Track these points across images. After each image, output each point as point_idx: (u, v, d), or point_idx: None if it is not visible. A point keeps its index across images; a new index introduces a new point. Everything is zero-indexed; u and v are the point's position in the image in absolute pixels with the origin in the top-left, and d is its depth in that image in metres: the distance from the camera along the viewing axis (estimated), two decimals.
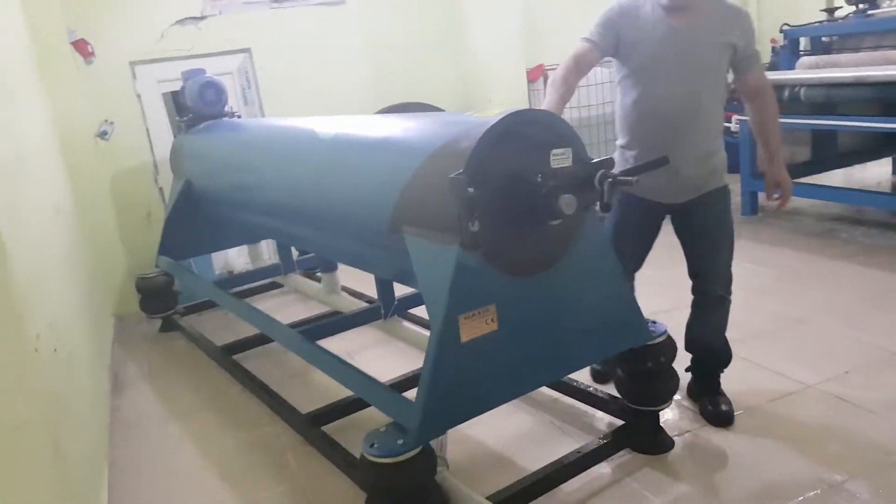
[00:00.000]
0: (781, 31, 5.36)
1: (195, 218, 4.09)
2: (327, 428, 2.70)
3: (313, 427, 2.71)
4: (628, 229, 2.64)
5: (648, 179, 2.54)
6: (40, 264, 2.38)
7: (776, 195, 2.59)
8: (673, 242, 2.60)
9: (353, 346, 3.55)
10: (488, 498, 2.09)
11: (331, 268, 4.02)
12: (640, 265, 2.68)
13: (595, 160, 2.03)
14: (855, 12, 5.15)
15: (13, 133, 2.50)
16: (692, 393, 2.72)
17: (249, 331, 3.72)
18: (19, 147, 2.57)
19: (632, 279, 2.69)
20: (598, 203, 2.02)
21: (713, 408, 2.58)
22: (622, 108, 2.53)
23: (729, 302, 2.60)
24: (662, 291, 2.82)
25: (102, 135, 4.43)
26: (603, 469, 2.37)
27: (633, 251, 2.65)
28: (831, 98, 4.47)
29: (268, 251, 5.11)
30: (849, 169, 5.90)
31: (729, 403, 2.59)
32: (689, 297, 2.65)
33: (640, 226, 2.62)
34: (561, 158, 1.98)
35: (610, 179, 1.98)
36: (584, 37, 2.49)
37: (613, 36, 2.45)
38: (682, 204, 2.50)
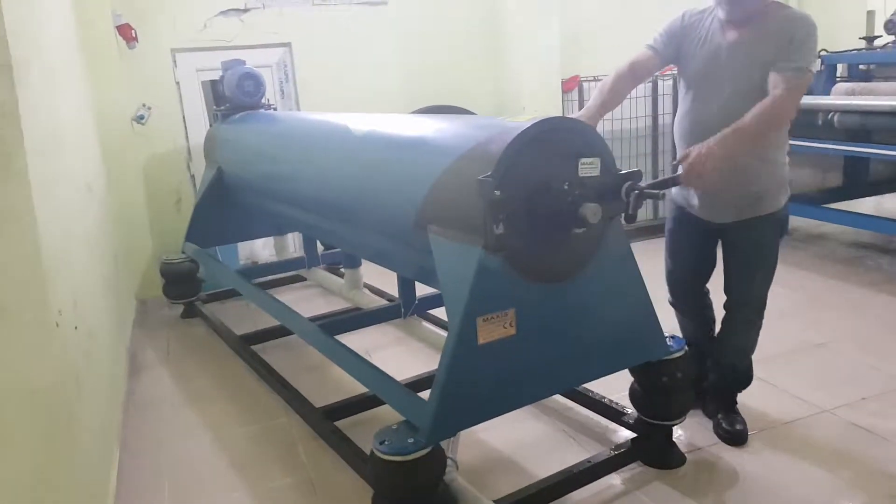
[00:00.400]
0: (819, 56, 5.30)
1: (224, 206, 4.16)
2: (340, 423, 2.72)
3: (326, 421, 2.73)
4: (681, 245, 2.67)
5: (692, 196, 2.56)
6: (68, 241, 2.44)
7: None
8: None
9: (372, 344, 3.58)
10: (496, 502, 2.09)
11: (354, 264, 4.06)
12: (703, 279, 2.67)
13: (623, 171, 2.04)
14: (894, 42, 5.09)
15: (51, 111, 2.56)
16: (707, 409, 2.70)
17: (269, 322, 3.76)
18: (56, 125, 2.64)
19: (702, 292, 2.70)
20: (623, 214, 2.03)
21: (728, 426, 2.56)
22: (676, 120, 2.54)
23: (759, 326, 2.57)
24: None
25: (139, 119, 4.52)
26: (613, 480, 2.37)
27: (690, 267, 2.66)
28: (865, 125, 4.42)
29: (293, 244, 5.16)
30: (880, 197, 5.82)
31: (743, 423, 2.58)
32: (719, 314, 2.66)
33: (691, 242, 2.63)
34: (589, 168, 1.99)
35: (636, 192, 1.99)
36: (647, 43, 2.50)
37: (675, 45, 2.45)
38: (726, 224, 2.48)
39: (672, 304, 2.78)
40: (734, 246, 2.50)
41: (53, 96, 2.72)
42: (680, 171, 2.21)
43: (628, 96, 2.64)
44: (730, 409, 2.62)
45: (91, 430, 2.29)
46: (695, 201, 2.53)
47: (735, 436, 2.54)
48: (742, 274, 2.51)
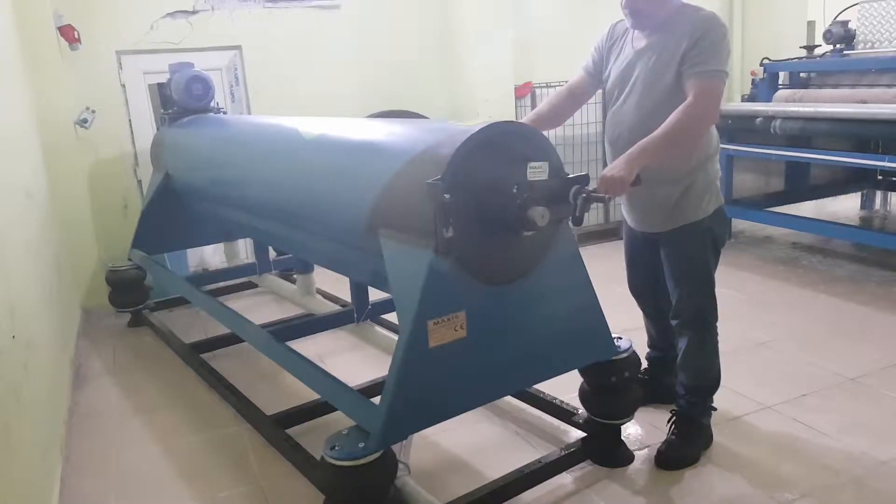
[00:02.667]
0: (762, 64, 5.50)
1: (172, 212, 4.07)
2: (292, 430, 2.69)
3: (277, 429, 2.69)
4: (631, 254, 2.71)
5: (625, 204, 2.61)
6: (4, 248, 2.36)
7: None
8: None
9: (324, 350, 3.55)
10: None
11: (307, 269, 4.02)
12: (660, 286, 2.56)
13: (571, 175, 2.07)
14: (832, 51, 5.32)
15: None
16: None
17: (220, 330, 3.70)
18: None
19: (661, 298, 2.59)
20: (570, 217, 2.06)
21: (664, 448, 2.49)
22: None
23: (698, 342, 2.49)
24: (634, 309, 2.87)
25: (82, 122, 4.39)
26: (564, 480, 2.40)
27: (644, 275, 2.67)
28: (805, 131, 4.59)
29: (244, 251, 5.08)
30: (821, 201, 6.05)
31: (682, 452, 2.48)
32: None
33: (638, 252, 2.65)
34: (537, 171, 2.01)
35: (584, 195, 2.02)
36: (582, 65, 2.55)
37: (601, 60, 2.49)
38: (655, 234, 2.49)
39: (639, 306, 2.83)
40: (664, 257, 2.49)
41: None
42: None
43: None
44: (683, 432, 2.52)
45: (31, 444, 2.22)
46: (626, 213, 2.58)
47: (664, 460, 2.46)
48: (671, 285, 2.49)
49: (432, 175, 1.86)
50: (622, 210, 2.67)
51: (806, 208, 5.70)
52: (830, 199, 6.10)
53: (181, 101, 4.15)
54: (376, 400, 2.03)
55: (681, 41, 2.22)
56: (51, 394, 2.81)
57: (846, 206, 6.11)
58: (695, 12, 2.27)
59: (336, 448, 1.89)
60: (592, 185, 2.08)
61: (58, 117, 4.31)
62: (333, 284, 4.17)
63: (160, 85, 4.30)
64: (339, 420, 2.44)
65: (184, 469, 2.67)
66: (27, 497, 2.04)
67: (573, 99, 2.58)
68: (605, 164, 5.79)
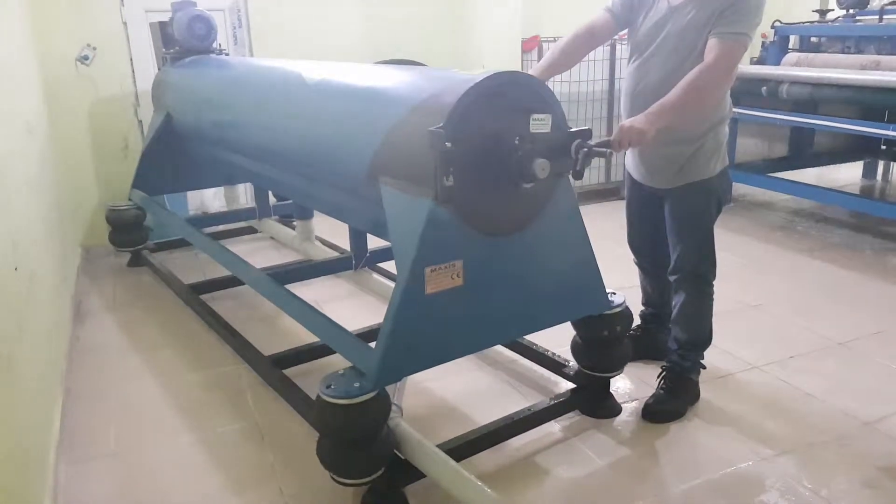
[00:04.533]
0: (772, 27, 5.41)
1: (173, 154, 4.06)
2: (289, 372, 2.74)
3: (274, 369, 2.75)
4: (633, 210, 2.72)
5: (630, 160, 2.62)
6: (6, 179, 2.36)
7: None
8: None
9: (322, 296, 3.59)
10: (438, 446, 2.15)
11: (306, 215, 4.03)
12: (660, 241, 2.59)
13: (573, 129, 2.07)
14: (844, 16, 5.23)
15: None
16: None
17: (219, 272, 3.73)
18: None
19: (660, 254, 2.61)
20: (571, 171, 2.07)
21: (652, 401, 2.56)
22: (622, 82, 2.54)
23: (696, 298, 2.53)
24: (630, 268, 2.90)
25: (83, 59, 4.34)
26: (551, 428, 2.47)
27: (644, 230, 2.69)
28: (812, 96, 4.55)
29: (245, 195, 5.08)
30: (822, 169, 6.03)
31: (671, 405, 2.55)
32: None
33: (641, 207, 2.67)
34: (540, 124, 2.01)
35: (585, 150, 2.03)
36: (605, 6, 2.49)
37: (631, 9, 2.44)
38: (661, 189, 2.51)
39: (636, 262, 2.86)
40: (668, 213, 2.52)
41: None
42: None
43: (585, 59, 2.63)
44: (671, 387, 2.59)
45: (33, 374, 2.26)
46: (633, 168, 2.59)
47: (651, 413, 2.52)
48: (672, 241, 2.53)
49: (435, 123, 1.86)
50: (626, 165, 2.68)
51: (807, 175, 5.69)
52: (832, 167, 6.08)
53: (183, 40, 4.10)
54: (372, 345, 2.07)
55: (718, 3, 2.20)
56: (52, 327, 2.86)
57: (848, 175, 6.10)
58: None
59: (332, 387, 1.93)
60: (594, 141, 2.08)
61: (59, 54, 4.27)
62: (333, 232, 4.19)
63: (162, 23, 4.24)
64: (335, 363, 2.49)
65: (182, 405, 2.74)
66: (29, 426, 2.10)
67: (591, 39, 2.53)
68: (610, 123, 5.77)
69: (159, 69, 4.37)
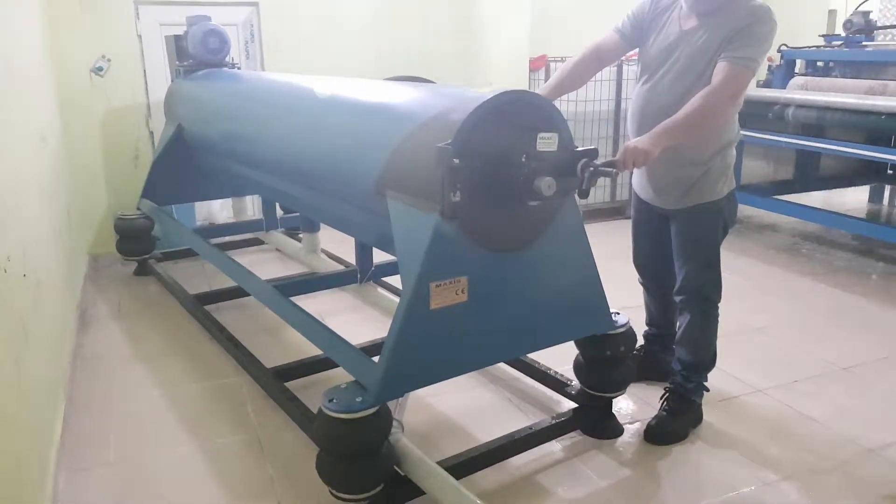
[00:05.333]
0: (779, 50, 5.44)
1: (183, 164, 4.09)
2: (291, 384, 2.74)
3: (276, 381, 2.74)
4: (640, 229, 2.72)
5: (637, 180, 2.62)
6: (18, 187, 2.39)
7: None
8: None
9: (326, 309, 3.59)
10: (438, 463, 2.15)
11: (313, 228, 4.05)
12: (666, 262, 2.58)
13: (580, 149, 2.08)
14: (851, 41, 5.26)
15: (4, 55, 2.49)
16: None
17: (224, 283, 3.75)
18: (9, 69, 2.56)
19: (665, 274, 2.61)
20: (577, 190, 2.08)
21: (655, 423, 2.54)
22: (630, 103, 2.55)
23: (701, 320, 2.53)
24: (635, 288, 2.90)
25: (97, 70, 4.40)
26: (553, 447, 2.46)
27: (650, 250, 2.69)
28: (817, 120, 4.56)
29: (252, 207, 5.11)
30: (828, 192, 6.03)
31: (671, 428, 2.54)
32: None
33: (648, 226, 2.67)
34: (547, 142, 2.03)
35: (591, 169, 2.04)
36: (615, 26, 2.51)
37: (641, 30, 2.46)
38: (669, 210, 2.52)
39: (641, 282, 2.86)
40: (674, 233, 2.53)
41: (7, 40, 2.64)
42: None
43: (592, 78, 2.66)
44: (674, 409, 2.57)
45: (38, 380, 2.27)
46: (641, 189, 2.60)
47: (653, 435, 2.51)
48: (678, 262, 2.52)
49: (443, 139, 1.88)
50: (633, 185, 2.68)
51: (813, 198, 5.69)
52: (839, 190, 6.08)
53: (197, 53, 4.16)
54: (376, 359, 2.08)
55: (729, 28, 2.22)
56: (57, 334, 2.87)
57: (854, 199, 6.09)
58: (749, 2, 2.26)
59: (333, 401, 1.93)
60: (600, 160, 2.09)
61: (74, 64, 4.33)
62: (339, 246, 4.21)
63: (176, 37, 4.30)
64: (338, 377, 2.49)
65: (183, 415, 2.74)
66: (32, 430, 2.10)
67: (599, 59, 2.55)
68: (616, 142, 5.79)
69: (172, 81, 4.42)
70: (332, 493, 2.01)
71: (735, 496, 2.22)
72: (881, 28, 5.08)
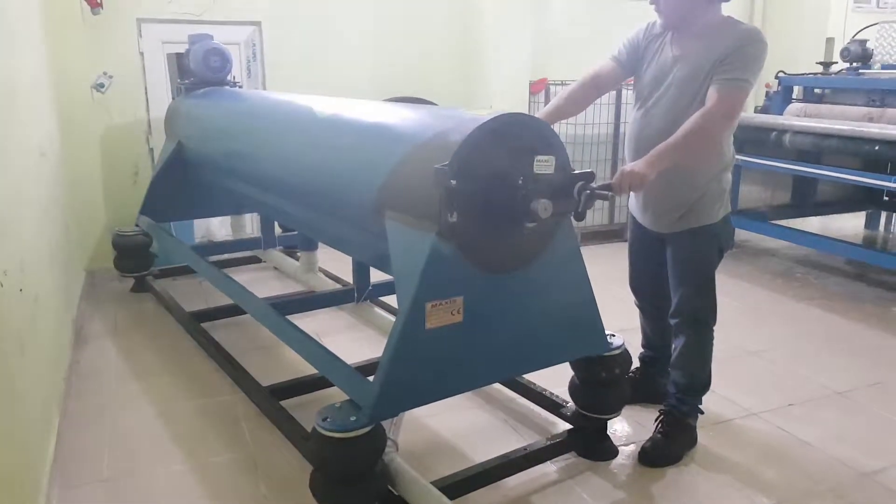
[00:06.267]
0: (776, 77, 5.51)
1: (182, 182, 4.11)
2: (286, 403, 2.74)
3: (271, 399, 2.74)
4: (636, 251, 2.74)
5: (634, 203, 2.65)
6: (17, 201, 2.41)
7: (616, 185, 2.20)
8: None
9: (323, 328, 3.60)
10: (433, 483, 2.14)
11: (311, 247, 4.07)
12: (662, 284, 2.60)
13: (577, 172, 2.10)
14: (848, 69, 5.33)
15: (6, 69, 2.52)
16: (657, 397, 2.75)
17: (221, 301, 3.75)
18: (11, 85, 2.59)
19: (661, 296, 2.62)
20: (573, 212, 2.10)
21: (650, 446, 2.54)
22: (626, 129, 2.59)
23: (696, 342, 2.54)
24: (630, 311, 2.92)
25: (99, 87, 4.43)
26: (547, 469, 2.45)
27: (646, 273, 2.71)
28: (814, 146, 4.61)
29: (250, 225, 5.13)
30: (825, 218, 6.07)
31: (667, 451, 2.54)
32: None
33: (644, 249, 2.69)
34: (544, 165, 2.05)
35: (588, 192, 2.06)
36: (612, 54, 2.55)
37: (636, 57, 2.50)
38: (664, 234, 2.54)
39: (637, 304, 2.87)
40: (670, 256, 2.54)
41: (10, 56, 2.67)
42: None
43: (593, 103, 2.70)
44: (669, 431, 2.57)
45: (32, 396, 2.27)
46: (637, 212, 2.62)
47: (648, 457, 2.51)
48: (674, 284, 2.54)
49: (441, 160, 1.90)
50: (630, 208, 2.71)
51: (810, 224, 5.72)
52: (835, 216, 6.11)
53: (198, 72, 4.20)
54: (371, 379, 2.08)
55: (719, 51, 2.25)
56: (53, 349, 2.87)
57: (851, 225, 6.13)
58: (738, 25, 2.31)
59: (328, 419, 1.93)
60: (597, 183, 2.11)
61: (75, 80, 4.36)
62: (337, 266, 4.22)
63: (178, 55, 4.35)
64: (333, 396, 2.48)
65: (177, 432, 2.73)
66: (26, 446, 2.10)
67: (596, 87, 2.59)
68: (614, 165, 5.84)
69: (173, 99, 4.45)
70: None
71: None
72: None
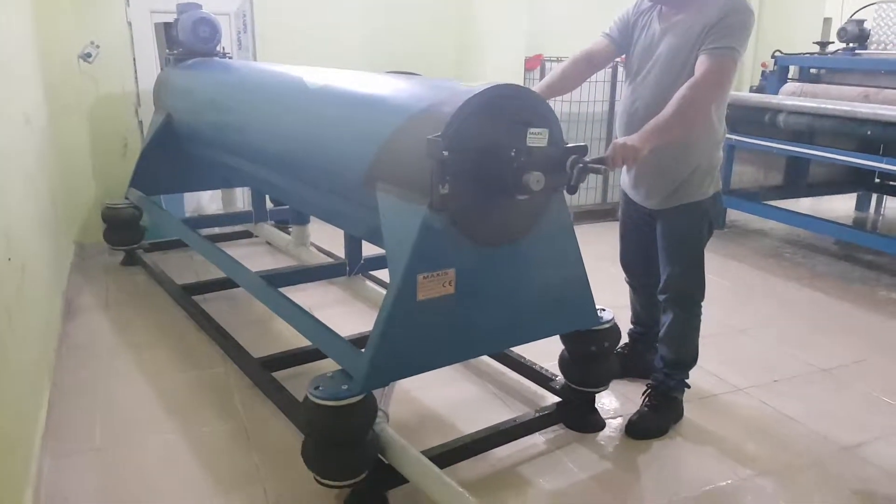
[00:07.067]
0: (773, 56, 5.50)
1: (172, 154, 4.08)
2: (277, 374, 2.75)
3: (263, 371, 2.75)
4: (627, 227, 2.75)
5: (625, 179, 2.66)
6: (2, 170, 2.38)
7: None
8: None
9: (315, 302, 3.59)
10: (422, 453, 2.16)
11: (302, 220, 4.06)
12: (652, 261, 2.61)
13: (570, 145, 2.10)
14: (844, 49, 5.32)
15: None
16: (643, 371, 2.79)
17: (212, 274, 3.75)
18: None
19: (651, 273, 2.62)
20: (565, 186, 2.10)
21: (637, 418, 2.58)
22: (619, 104, 2.59)
23: (684, 319, 2.56)
24: (621, 289, 2.94)
25: (86, 56, 4.37)
26: (535, 440, 2.49)
27: (637, 248, 2.72)
28: (808, 127, 4.62)
29: (242, 199, 5.10)
30: (816, 199, 6.10)
31: (655, 424, 2.58)
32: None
33: (635, 225, 2.70)
34: (537, 138, 2.04)
35: (580, 165, 2.06)
36: (604, 31, 2.54)
37: (627, 32, 2.49)
38: (655, 210, 2.55)
39: (627, 281, 2.89)
40: (659, 233, 2.56)
41: None
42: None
43: (587, 80, 2.69)
44: (656, 405, 2.61)
45: (21, 366, 2.27)
46: (628, 188, 2.63)
47: (635, 430, 2.55)
48: (663, 261, 2.55)
49: (433, 132, 1.89)
50: (622, 184, 2.72)
51: (801, 205, 5.75)
52: (826, 198, 6.15)
53: (187, 42, 4.13)
54: (363, 351, 2.09)
55: (706, 21, 2.24)
56: (42, 321, 2.86)
57: (841, 207, 6.17)
58: None
59: (319, 388, 1.95)
60: (590, 157, 2.11)
61: (61, 48, 4.29)
62: (328, 240, 4.22)
63: (167, 24, 4.28)
64: (324, 367, 2.48)
65: (169, 404, 2.74)
66: (17, 416, 2.10)
67: (589, 65, 2.58)
68: (609, 143, 5.83)
69: (162, 70, 4.40)
70: (316, 480, 2.02)
71: (712, 490, 2.26)
72: None
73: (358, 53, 5.18)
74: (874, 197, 6.14)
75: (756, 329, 3.58)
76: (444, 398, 2.76)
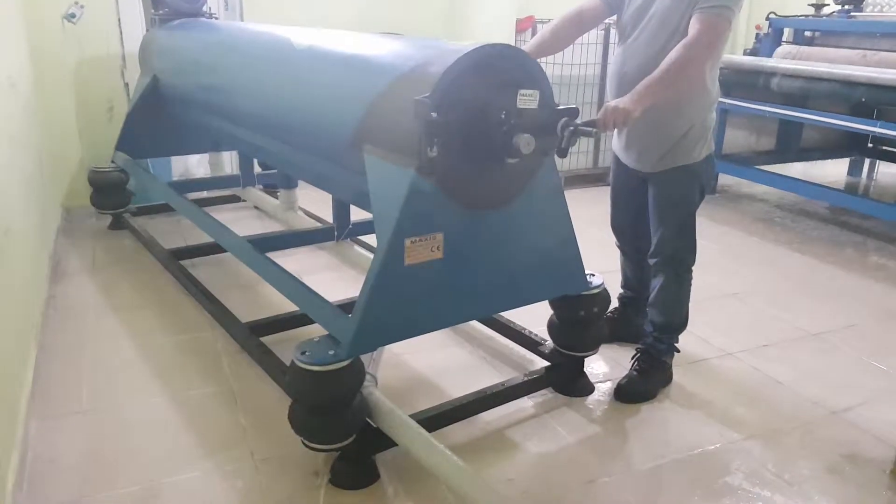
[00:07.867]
0: (767, 18, 5.42)
1: (158, 117, 4.00)
2: (266, 339, 2.73)
3: (251, 336, 2.74)
4: (618, 191, 2.72)
5: (617, 142, 2.62)
6: None
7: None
8: None
9: (303, 268, 3.56)
10: (411, 417, 2.16)
11: (290, 185, 4.01)
12: (642, 224, 2.60)
13: (561, 107, 2.06)
14: (839, 11, 5.24)
15: None
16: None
17: (200, 239, 3.71)
18: None
19: (641, 237, 2.62)
20: (556, 149, 2.06)
21: (626, 382, 2.58)
22: (610, 65, 2.55)
23: (675, 282, 2.55)
24: (611, 254, 2.92)
25: (70, 17, 4.25)
26: (524, 404, 2.49)
27: (627, 212, 2.70)
28: (801, 90, 4.57)
29: (230, 164, 5.03)
30: (808, 164, 6.07)
31: (644, 387, 2.58)
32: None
33: (626, 188, 2.67)
34: (528, 99, 2.00)
35: (571, 128, 2.02)
36: None
37: None
38: (646, 173, 2.52)
39: (618, 245, 2.88)
40: (651, 196, 2.54)
41: None
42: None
43: (578, 42, 2.62)
44: (645, 368, 2.61)
45: (6, 325, 2.25)
46: (620, 151, 2.60)
47: (623, 393, 2.55)
48: (654, 224, 2.54)
49: (421, 92, 1.85)
50: (613, 147, 2.68)
51: (793, 169, 5.73)
52: (819, 163, 6.13)
53: (172, 2, 4.04)
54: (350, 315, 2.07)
55: None
56: (28, 283, 2.83)
57: (834, 172, 6.14)
58: None
59: (306, 353, 1.93)
60: (582, 120, 2.07)
61: (45, 9, 4.18)
62: (316, 206, 4.18)
63: None
64: (312, 332, 2.47)
65: (156, 366, 2.73)
66: (3, 377, 2.09)
67: (581, 23, 2.53)
68: (600, 106, 5.76)
69: (147, 31, 4.30)
70: (303, 444, 2.03)
71: (700, 453, 2.27)
72: None
73: (346, 15, 5.09)
74: (867, 162, 6.11)
75: (746, 293, 3.59)
76: (434, 362, 2.76)
